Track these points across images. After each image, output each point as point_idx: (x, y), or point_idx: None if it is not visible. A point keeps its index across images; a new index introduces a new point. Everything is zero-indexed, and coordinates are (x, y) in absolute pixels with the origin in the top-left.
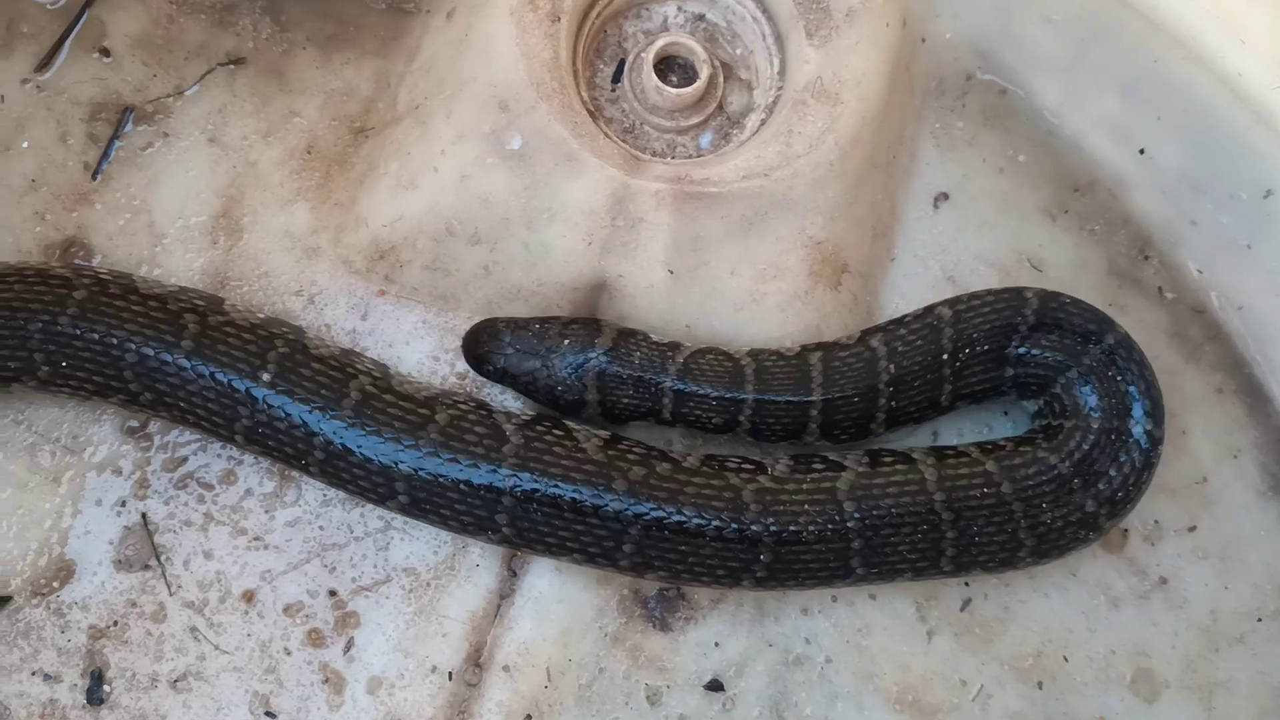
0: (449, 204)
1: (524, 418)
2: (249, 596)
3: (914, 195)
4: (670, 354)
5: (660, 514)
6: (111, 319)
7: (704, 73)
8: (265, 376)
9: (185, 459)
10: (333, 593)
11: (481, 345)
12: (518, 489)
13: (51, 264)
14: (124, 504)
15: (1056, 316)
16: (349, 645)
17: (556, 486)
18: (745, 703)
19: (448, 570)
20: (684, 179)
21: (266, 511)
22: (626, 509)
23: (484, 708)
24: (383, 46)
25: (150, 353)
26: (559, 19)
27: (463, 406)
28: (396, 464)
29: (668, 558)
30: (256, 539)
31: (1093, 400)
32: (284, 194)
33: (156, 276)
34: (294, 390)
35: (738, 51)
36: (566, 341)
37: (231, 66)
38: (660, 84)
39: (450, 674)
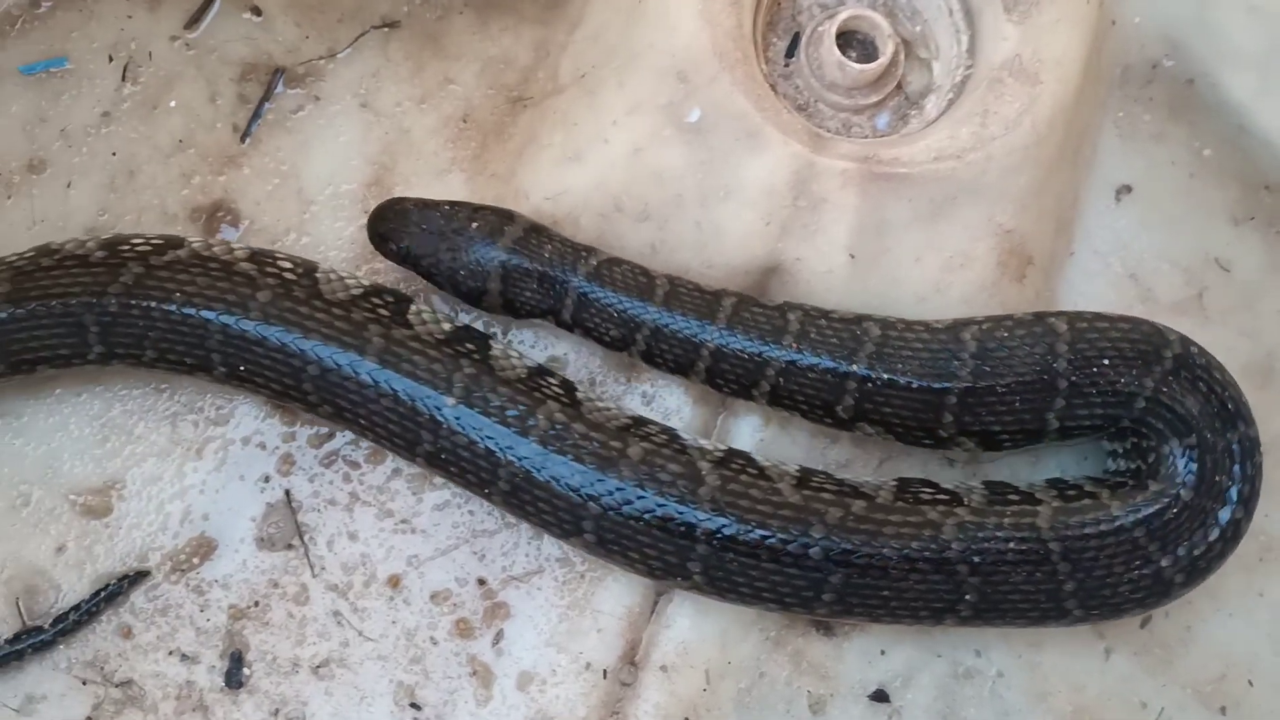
0: (619, 178)
1: (717, 454)
2: (394, 582)
3: (1095, 188)
4: (584, 255)
5: (862, 558)
6: (294, 326)
7: (889, 48)
8: (450, 401)
9: (331, 435)
10: (482, 581)
11: (387, 223)
12: (716, 533)
13: (237, 255)
14: (267, 480)
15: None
16: (498, 637)
17: (754, 531)
18: (911, 716)
19: (604, 564)
20: (871, 158)
21: (414, 493)
22: (827, 555)
23: (639, 709)
24: (542, 14)
25: (332, 366)
26: None
27: (656, 440)
28: (586, 501)
29: (869, 603)
30: (403, 522)
31: (1190, 476)
32: (438, 163)
33: (338, 272)
34: (482, 413)
35: (917, 29)
36: (475, 225)
37: (386, 30)
38: (843, 59)
39: (605, 672)
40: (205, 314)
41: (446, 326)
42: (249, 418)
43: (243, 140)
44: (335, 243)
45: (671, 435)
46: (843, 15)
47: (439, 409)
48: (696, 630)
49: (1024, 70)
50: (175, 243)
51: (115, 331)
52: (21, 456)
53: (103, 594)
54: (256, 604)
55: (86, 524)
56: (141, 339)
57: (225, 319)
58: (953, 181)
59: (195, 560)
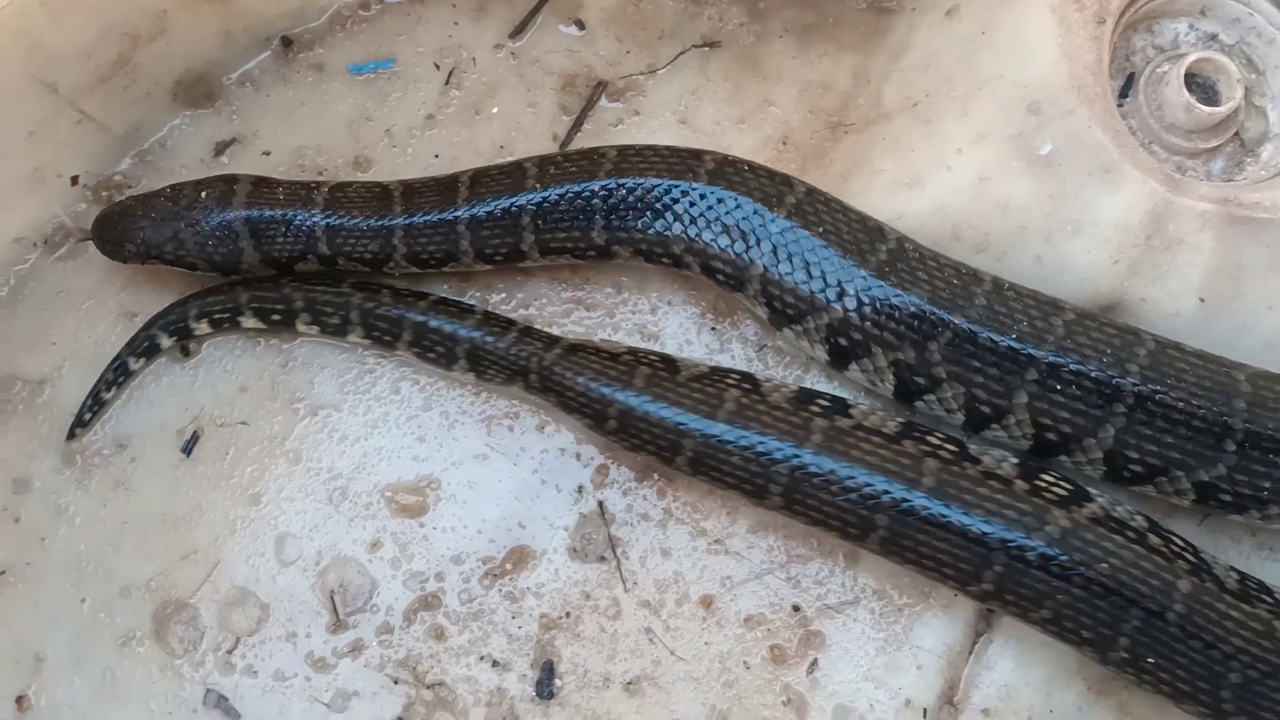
0: (961, 206)
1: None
2: (707, 602)
3: None
4: (314, 188)
5: (1205, 646)
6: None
7: (1238, 92)
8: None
9: None
10: (796, 609)
11: (114, 226)
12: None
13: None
14: (581, 490)
15: None
16: (812, 667)
17: (1123, 591)
18: None
19: (922, 598)
20: (1232, 201)
21: (728, 514)
22: (1183, 627)
23: None
24: (862, 42)
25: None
26: (1104, 21)
27: (1053, 495)
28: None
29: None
30: (716, 542)
31: None
32: None
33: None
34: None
35: (1252, 75)
36: (204, 194)
37: (706, 49)
38: (1190, 100)
39: (925, 711)
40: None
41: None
42: (564, 427)
43: (562, 149)
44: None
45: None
46: (1191, 57)
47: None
48: (1020, 674)
49: None
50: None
51: None
52: (340, 449)
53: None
54: (568, 615)
55: (402, 523)
56: None
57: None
58: None
59: (508, 567)
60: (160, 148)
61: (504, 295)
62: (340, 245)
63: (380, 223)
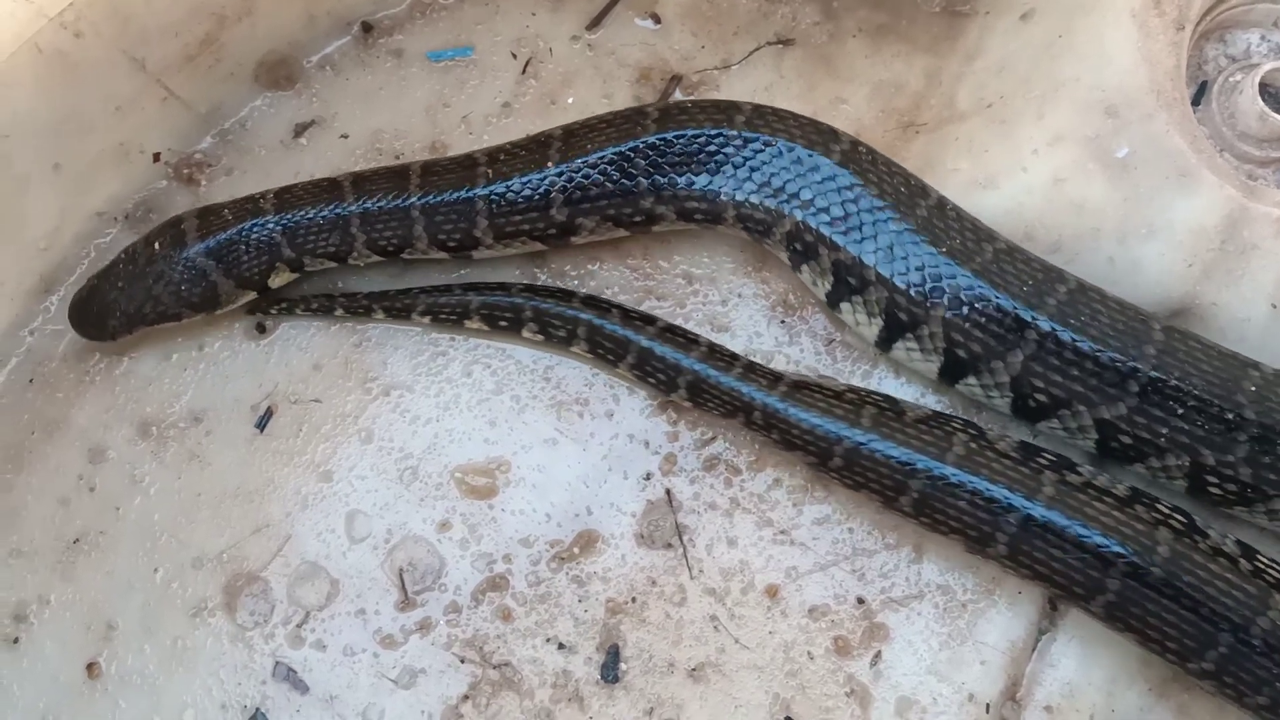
0: (1035, 207)
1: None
2: (772, 592)
3: None
4: (259, 198)
5: None
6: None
7: None
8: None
9: (714, 438)
10: (860, 601)
11: (90, 309)
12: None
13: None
14: (649, 478)
15: None
16: (876, 659)
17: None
18: None
19: (986, 594)
20: None
21: (795, 505)
22: (1267, 642)
23: None
24: (935, 43)
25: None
26: (1183, 27)
27: (1162, 515)
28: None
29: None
30: (782, 532)
31: None
32: None
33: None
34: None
35: None
36: (157, 245)
37: (780, 46)
38: (1265, 109)
39: (988, 706)
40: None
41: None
42: (634, 414)
43: None
44: (722, 258)
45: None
46: (1266, 67)
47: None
48: (1083, 673)
49: None
50: None
51: None
52: (412, 430)
53: None
54: (634, 600)
55: (471, 504)
56: None
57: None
58: None
59: (576, 551)
60: (240, 127)
61: (576, 282)
62: (303, 243)
63: (335, 212)
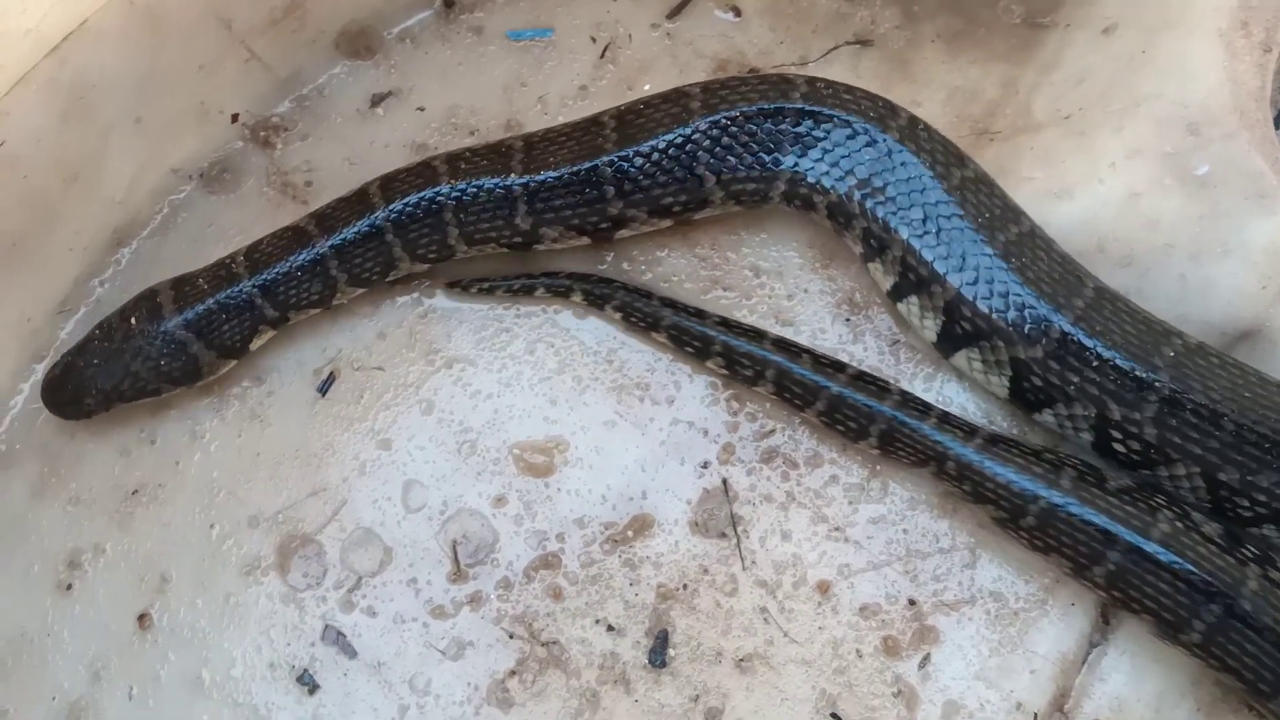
0: (1109, 219)
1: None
2: (824, 588)
3: None
4: (229, 263)
5: None
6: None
7: None
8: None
9: (773, 431)
10: (912, 602)
11: (64, 388)
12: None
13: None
14: (706, 466)
15: None
16: (924, 661)
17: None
18: None
19: (1039, 604)
20: None
21: (850, 503)
22: None
23: None
24: (1012, 53)
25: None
26: (1270, 50)
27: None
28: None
29: None
30: (837, 529)
31: None
32: None
33: None
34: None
35: None
36: (133, 319)
37: (858, 46)
38: None
39: (1035, 715)
40: None
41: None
42: (694, 401)
43: None
44: (790, 252)
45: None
46: None
47: None
48: (1133, 688)
49: None
50: None
51: None
52: (473, 404)
53: None
54: (685, 587)
55: (528, 481)
56: None
57: None
58: None
59: (630, 535)
60: (318, 94)
61: (644, 269)
62: (278, 295)
63: (307, 256)
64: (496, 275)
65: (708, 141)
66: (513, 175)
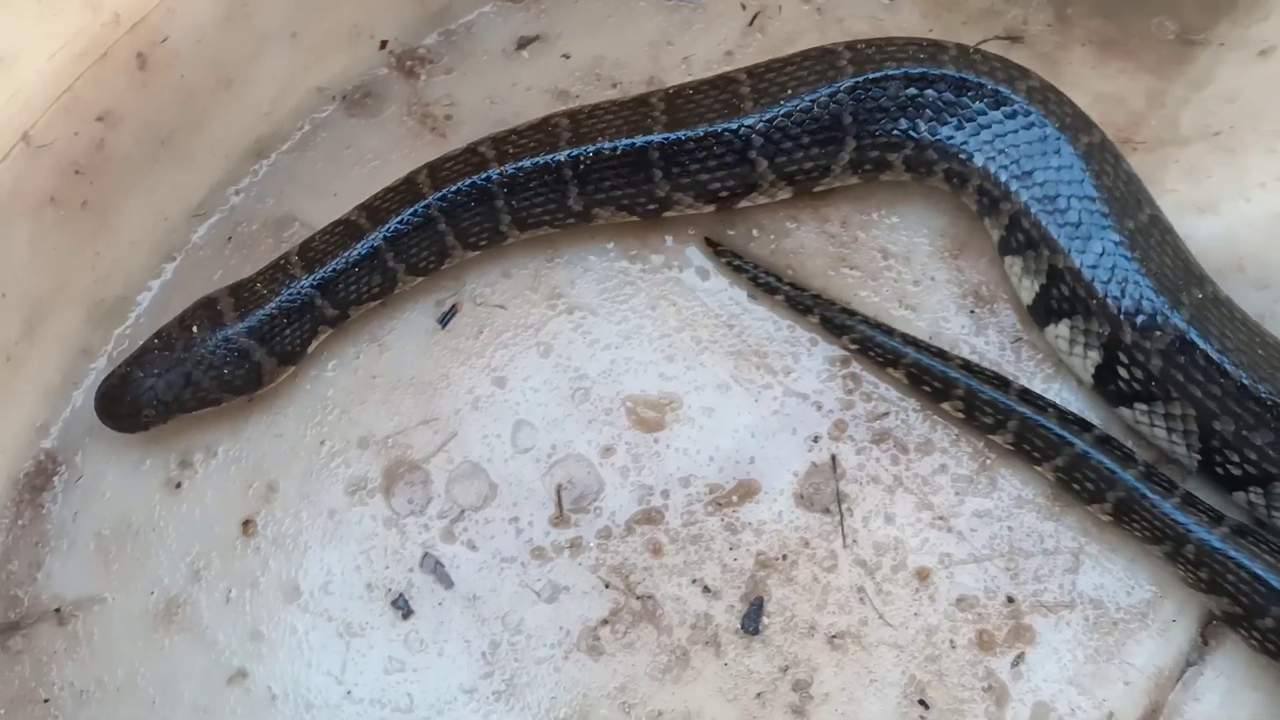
0: (1253, 239)
1: None
2: (923, 575)
3: None
4: (284, 264)
5: None
6: None
7: None
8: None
9: (887, 414)
10: (1010, 599)
11: (122, 400)
12: None
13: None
14: (816, 440)
15: None
16: (1018, 659)
17: None
18: None
19: (1139, 616)
20: None
21: (957, 494)
22: None
23: None
24: (1161, 66)
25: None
26: None
27: None
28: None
29: None
30: (941, 518)
31: None
32: None
33: None
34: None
35: None
36: (194, 327)
37: (1007, 42)
38: None
39: None
40: None
41: None
42: (810, 375)
43: None
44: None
45: None
46: None
47: None
48: (1226, 711)
49: None
50: None
51: None
52: (590, 352)
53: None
54: (784, 558)
55: (638, 434)
56: None
57: None
58: None
59: (734, 499)
60: (466, 30)
61: (772, 240)
62: (337, 293)
63: (360, 251)
64: (749, 257)
65: (852, 103)
66: (653, 131)
